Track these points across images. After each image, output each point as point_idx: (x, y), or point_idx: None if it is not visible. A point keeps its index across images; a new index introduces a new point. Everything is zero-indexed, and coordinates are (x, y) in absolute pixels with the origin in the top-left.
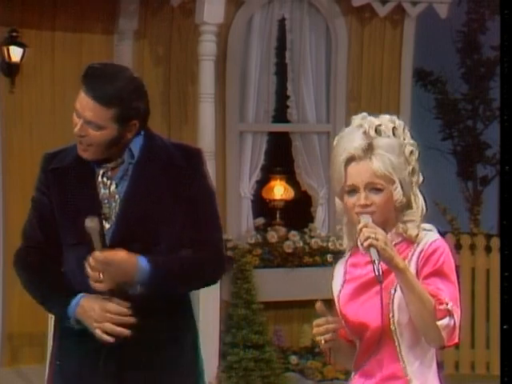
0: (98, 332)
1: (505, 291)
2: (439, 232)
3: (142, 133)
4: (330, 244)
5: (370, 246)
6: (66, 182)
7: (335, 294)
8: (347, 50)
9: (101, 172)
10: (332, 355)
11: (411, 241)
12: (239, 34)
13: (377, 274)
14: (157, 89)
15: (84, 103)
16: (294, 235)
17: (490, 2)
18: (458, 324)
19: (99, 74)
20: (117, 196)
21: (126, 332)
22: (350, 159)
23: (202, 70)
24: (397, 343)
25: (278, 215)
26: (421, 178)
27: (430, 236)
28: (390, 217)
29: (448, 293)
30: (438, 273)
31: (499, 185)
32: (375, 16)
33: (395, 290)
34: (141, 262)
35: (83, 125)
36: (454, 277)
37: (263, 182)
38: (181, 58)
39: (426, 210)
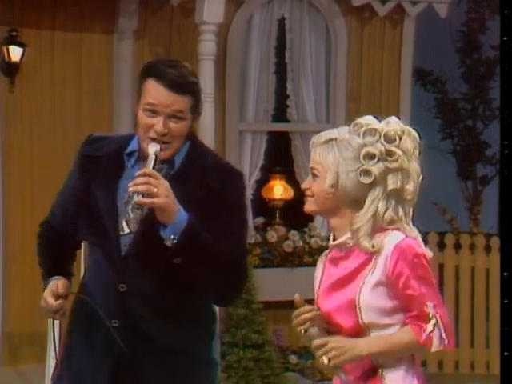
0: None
1: (504, 292)
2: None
3: (188, 142)
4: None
5: (334, 367)
6: (94, 174)
7: (315, 289)
8: (347, 50)
9: None
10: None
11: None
12: (239, 34)
13: None
14: None
15: (164, 97)
16: (294, 235)
17: (489, 2)
18: (446, 324)
19: (167, 65)
20: (138, 206)
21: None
22: (313, 148)
23: (201, 70)
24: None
25: (277, 215)
26: (391, 186)
27: (393, 237)
28: (341, 212)
29: (430, 295)
30: (414, 276)
31: (499, 185)
32: (375, 16)
33: (360, 288)
34: (182, 210)
35: (165, 120)
36: (428, 274)
37: (263, 182)
38: (180, 57)
39: (405, 215)
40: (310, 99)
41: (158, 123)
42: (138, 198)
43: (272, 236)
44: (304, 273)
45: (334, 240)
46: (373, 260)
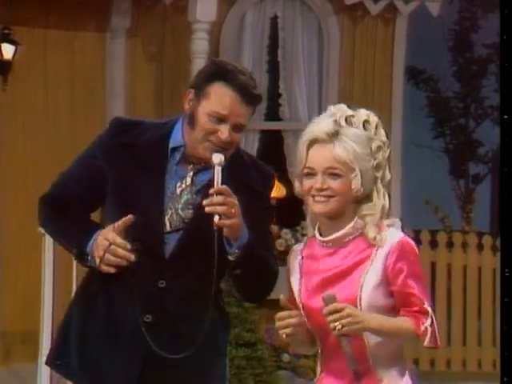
0: (97, 261)
1: (505, 291)
2: (402, 229)
3: None
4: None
5: (341, 335)
6: (133, 164)
7: (295, 288)
8: (339, 48)
9: (191, 173)
10: (292, 346)
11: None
12: (231, 32)
13: (352, 368)
14: (149, 87)
15: (236, 106)
16: (286, 233)
17: (482, 1)
18: (435, 323)
19: (237, 70)
20: (190, 206)
21: (122, 263)
22: (313, 141)
23: (194, 68)
24: (365, 340)
25: None
26: (388, 177)
27: (393, 234)
28: (348, 208)
29: (426, 295)
30: (413, 274)
31: (499, 184)
32: (367, 14)
33: (361, 286)
34: (244, 224)
35: (230, 129)
36: (423, 274)
37: None
38: (173, 55)
39: (389, 207)
40: (302, 98)
41: (224, 131)
42: (216, 220)
43: None
44: None
45: (320, 236)
46: (371, 257)
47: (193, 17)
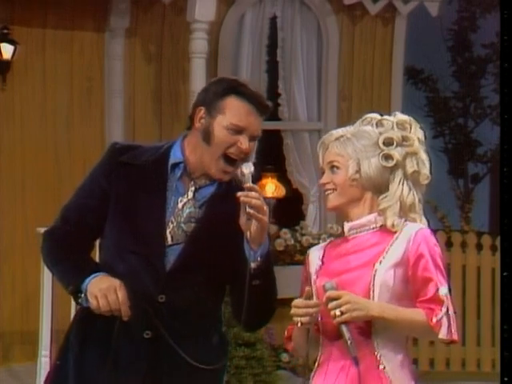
0: (93, 301)
1: (505, 291)
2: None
3: None
4: (321, 242)
5: (340, 323)
6: (134, 181)
7: (313, 275)
8: (338, 48)
9: (193, 189)
10: (296, 344)
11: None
12: (231, 32)
13: (352, 355)
14: (148, 87)
15: (252, 118)
16: (286, 233)
17: (480, 1)
18: (454, 317)
19: (245, 84)
20: (193, 219)
21: (114, 312)
22: (327, 146)
23: (193, 68)
24: (372, 323)
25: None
26: (411, 169)
27: (414, 225)
28: (362, 200)
29: (444, 283)
30: (433, 261)
31: (499, 184)
32: (366, 14)
33: (376, 269)
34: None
35: (248, 140)
36: (444, 266)
37: (255, 180)
38: (172, 55)
39: (419, 201)
40: (301, 97)
41: (244, 141)
42: (250, 211)
43: None
44: (295, 271)
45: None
46: (390, 242)
47: (192, 17)
